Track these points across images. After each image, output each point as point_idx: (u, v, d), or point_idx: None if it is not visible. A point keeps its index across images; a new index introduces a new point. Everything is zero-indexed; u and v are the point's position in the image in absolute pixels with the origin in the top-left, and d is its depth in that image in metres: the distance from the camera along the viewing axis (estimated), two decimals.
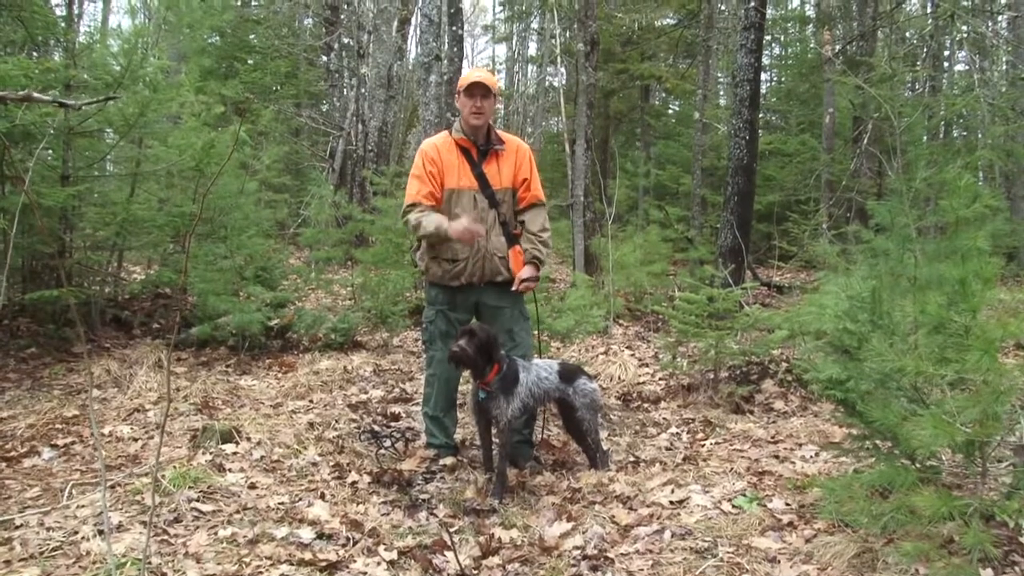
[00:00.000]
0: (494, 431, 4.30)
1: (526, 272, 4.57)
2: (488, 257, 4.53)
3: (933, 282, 3.64)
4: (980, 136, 15.66)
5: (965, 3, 13.58)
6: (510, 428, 4.23)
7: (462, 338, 4.13)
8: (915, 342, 3.37)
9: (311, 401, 5.95)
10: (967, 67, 18.85)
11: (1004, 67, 15.85)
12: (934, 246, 4.11)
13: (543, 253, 4.64)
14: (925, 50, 15.15)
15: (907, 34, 16.01)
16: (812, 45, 20.63)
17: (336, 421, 5.41)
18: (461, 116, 4.57)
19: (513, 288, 4.57)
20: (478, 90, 4.43)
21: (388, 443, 4.96)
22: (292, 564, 3.26)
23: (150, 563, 3.16)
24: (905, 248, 4.31)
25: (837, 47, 15.43)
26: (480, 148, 4.57)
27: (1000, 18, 16.49)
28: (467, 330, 4.17)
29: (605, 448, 4.83)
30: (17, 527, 3.60)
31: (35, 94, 1.86)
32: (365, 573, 3.24)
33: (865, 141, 13.60)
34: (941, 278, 3.33)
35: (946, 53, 20.48)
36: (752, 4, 9.18)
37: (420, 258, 4.72)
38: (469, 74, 4.53)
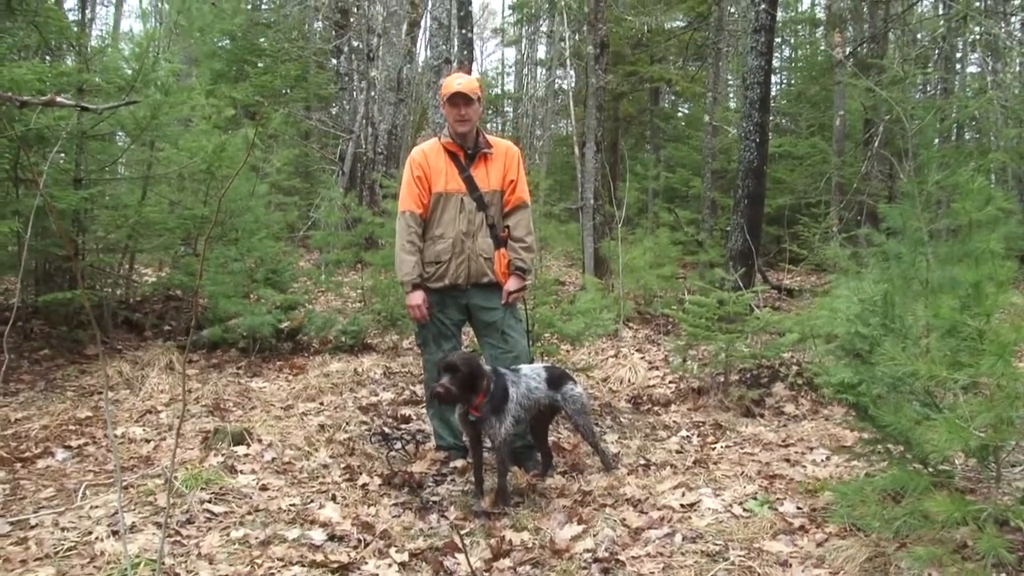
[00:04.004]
0: (486, 443, 4.26)
1: (512, 284, 4.61)
2: (473, 258, 4.57)
3: (946, 285, 3.63)
4: (993, 139, 15.59)
5: (978, 4, 13.53)
6: (506, 446, 4.12)
7: (444, 375, 3.98)
8: (927, 346, 3.36)
9: (322, 403, 5.97)
10: (980, 69, 18.80)
11: (1017, 69, 15.74)
12: (946, 249, 4.10)
13: (526, 262, 4.67)
14: (937, 52, 15.10)
15: (919, 36, 15.94)
16: (823, 47, 20.56)
17: (347, 423, 5.42)
18: (448, 124, 4.62)
19: (502, 302, 4.60)
20: (460, 99, 4.46)
21: (399, 445, 4.97)
22: (304, 565, 3.27)
23: (164, 564, 3.17)
24: (917, 251, 4.30)
25: (848, 49, 15.39)
26: (468, 152, 4.61)
27: (1013, 19, 16.41)
28: (449, 365, 4.01)
29: (615, 451, 4.84)
30: (32, 527, 3.63)
31: (58, 98, 1.87)
32: (377, 575, 3.25)
33: (876, 144, 13.56)
34: (954, 281, 3.31)
35: (958, 55, 20.39)
36: (763, 6, 9.17)
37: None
38: (449, 83, 4.55)
